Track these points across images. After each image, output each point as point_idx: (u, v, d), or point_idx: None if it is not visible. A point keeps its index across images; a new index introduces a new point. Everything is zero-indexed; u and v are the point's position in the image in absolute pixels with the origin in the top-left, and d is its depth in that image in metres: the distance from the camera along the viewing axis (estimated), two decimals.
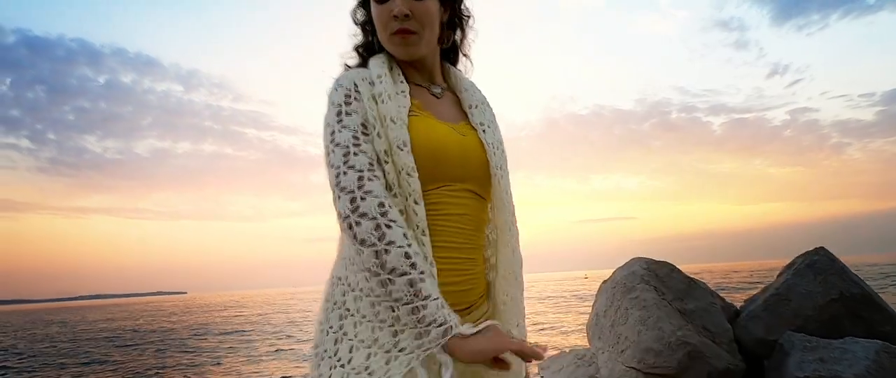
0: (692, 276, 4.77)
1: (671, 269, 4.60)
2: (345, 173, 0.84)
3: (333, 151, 0.86)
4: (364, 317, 0.87)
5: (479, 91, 1.10)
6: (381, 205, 0.82)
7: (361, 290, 0.88)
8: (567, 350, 6.20)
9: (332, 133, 0.88)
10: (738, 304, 4.78)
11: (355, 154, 0.86)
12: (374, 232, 0.80)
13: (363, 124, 0.89)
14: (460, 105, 1.07)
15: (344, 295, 0.91)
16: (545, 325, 16.22)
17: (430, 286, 0.81)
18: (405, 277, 0.79)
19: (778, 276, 4.61)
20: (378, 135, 0.88)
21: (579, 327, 14.14)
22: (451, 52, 1.12)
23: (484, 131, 1.01)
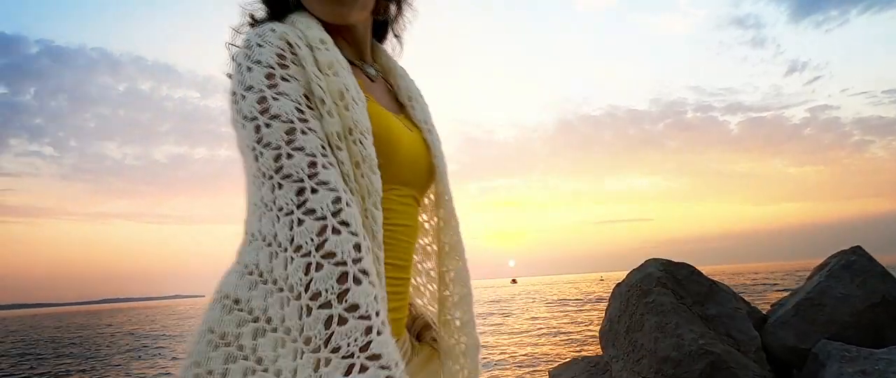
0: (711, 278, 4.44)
1: (690, 270, 4.27)
2: (289, 156, 0.61)
3: (269, 125, 0.62)
4: (260, 362, 0.59)
5: (413, 80, 0.92)
6: (337, 201, 0.60)
7: (270, 320, 0.60)
8: (580, 357, 5.89)
9: (264, 100, 0.63)
10: (765, 309, 4.43)
11: (303, 132, 0.63)
12: (316, 236, 0.57)
13: (306, 96, 0.66)
14: (394, 93, 0.90)
15: (240, 326, 0.61)
16: (559, 330, 15.82)
17: (382, 342, 0.55)
18: (328, 311, 0.55)
19: (808, 278, 4.25)
20: (329, 113, 0.66)
21: (594, 332, 13.72)
22: (378, 28, 0.93)
23: (429, 132, 0.86)
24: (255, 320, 0.61)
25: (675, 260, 4.44)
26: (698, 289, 4.11)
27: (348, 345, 0.52)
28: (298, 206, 0.58)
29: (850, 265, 3.58)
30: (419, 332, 0.91)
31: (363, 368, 0.51)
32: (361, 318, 0.54)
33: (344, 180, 0.65)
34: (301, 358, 0.54)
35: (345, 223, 0.59)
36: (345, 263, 0.56)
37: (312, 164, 0.61)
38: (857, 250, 3.70)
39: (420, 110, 0.88)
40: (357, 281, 0.55)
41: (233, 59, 0.70)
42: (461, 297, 0.88)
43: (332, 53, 0.71)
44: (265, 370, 0.58)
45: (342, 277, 0.55)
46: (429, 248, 0.93)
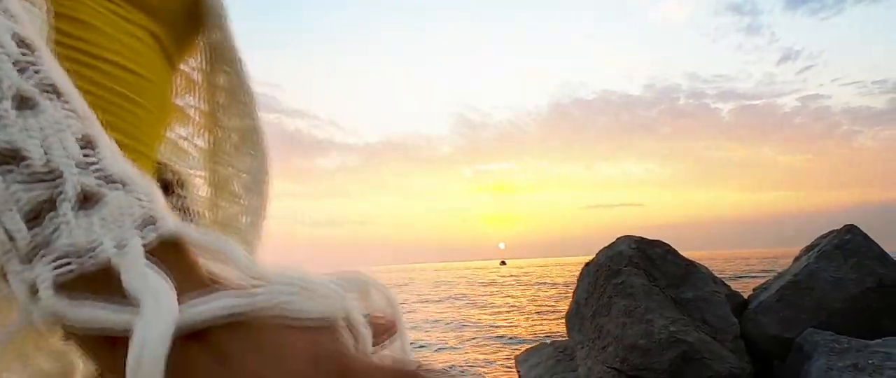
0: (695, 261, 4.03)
1: (666, 250, 3.84)
2: None
3: None
4: None
5: None
6: None
7: None
8: (548, 341, 5.51)
9: None
10: (747, 294, 4.03)
11: None
12: None
13: None
14: None
15: None
16: (536, 313, 15.63)
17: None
18: None
19: (795, 259, 3.84)
20: None
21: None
22: None
23: None
24: None
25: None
26: (674, 270, 3.69)
27: None
28: None
29: (844, 245, 3.16)
30: None
31: None
32: None
33: None
34: None
35: None
36: None
37: None
38: (852, 229, 3.28)
39: None
40: None
41: None
42: (256, 212, 0.52)
43: None
44: None
45: None
46: (184, 143, 0.55)
